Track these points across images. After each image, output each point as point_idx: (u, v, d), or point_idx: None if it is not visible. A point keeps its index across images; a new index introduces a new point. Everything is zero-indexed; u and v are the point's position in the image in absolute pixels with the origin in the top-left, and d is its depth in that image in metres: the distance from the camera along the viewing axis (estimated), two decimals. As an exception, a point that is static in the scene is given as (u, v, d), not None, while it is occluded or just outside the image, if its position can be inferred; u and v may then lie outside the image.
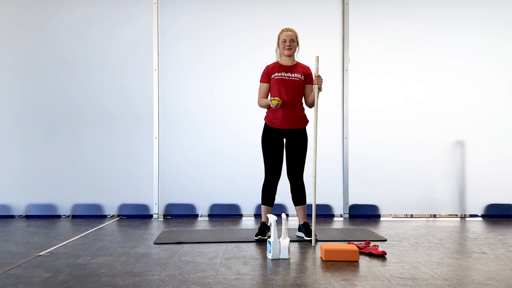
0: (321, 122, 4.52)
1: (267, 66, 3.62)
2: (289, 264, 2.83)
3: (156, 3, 4.80)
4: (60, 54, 4.82)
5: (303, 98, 3.62)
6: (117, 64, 4.82)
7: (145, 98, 4.80)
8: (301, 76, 3.55)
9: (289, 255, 2.95)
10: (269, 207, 3.58)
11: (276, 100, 3.38)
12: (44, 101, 4.80)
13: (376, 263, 2.84)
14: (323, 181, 4.59)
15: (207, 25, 4.84)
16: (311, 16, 4.82)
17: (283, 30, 3.58)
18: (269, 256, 2.95)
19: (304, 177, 3.63)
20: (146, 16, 4.82)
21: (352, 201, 4.81)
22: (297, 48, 3.60)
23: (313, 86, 3.52)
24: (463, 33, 4.84)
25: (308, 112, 3.64)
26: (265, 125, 3.59)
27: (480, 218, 4.78)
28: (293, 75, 3.53)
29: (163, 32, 4.83)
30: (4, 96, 4.81)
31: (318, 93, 3.46)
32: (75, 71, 4.82)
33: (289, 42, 3.52)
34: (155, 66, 4.80)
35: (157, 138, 4.79)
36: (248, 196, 4.74)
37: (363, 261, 2.89)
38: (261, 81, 3.61)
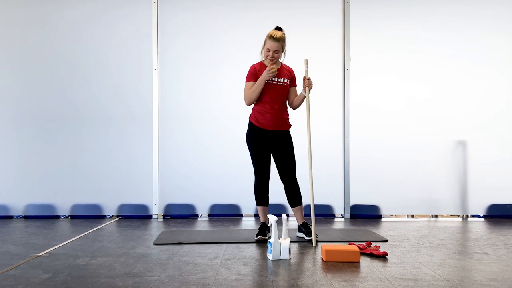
0: (322, 121, 4.50)
1: (253, 65, 3.56)
2: (289, 265, 2.81)
3: (156, 1, 4.78)
4: (58, 53, 4.80)
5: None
6: (116, 63, 4.80)
7: (145, 98, 4.78)
8: (287, 81, 3.54)
9: (289, 256, 2.93)
10: (265, 207, 3.57)
11: (273, 67, 3.37)
12: (42, 101, 4.78)
13: (377, 264, 2.83)
14: (323, 181, 4.57)
15: (208, 23, 4.82)
16: (311, 15, 4.80)
17: (270, 37, 3.42)
18: (270, 256, 2.93)
19: (300, 177, 3.62)
20: (145, 14, 4.80)
21: (353, 201, 4.79)
22: (282, 55, 3.51)
23: (304, 88, 3.50)
24: (463, 33, 4.82)
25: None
26: (251, 125, 3.56)
27: (482, 219, 4.76)
28: (280, 80, 3.50)
29: (163, 30, 4.80)
30: (2, 96, 4.79)
31: (308, 95, 3.49)
32: (74, 70, 4.80)
33: (273, 53, 3.43)
34: (155, 65, 4.78)
35: (157, 138, 4.77)
36: (248, 197, 4.70)
37: (364, 262, 2.87)
38: (248, 80, 3.52)
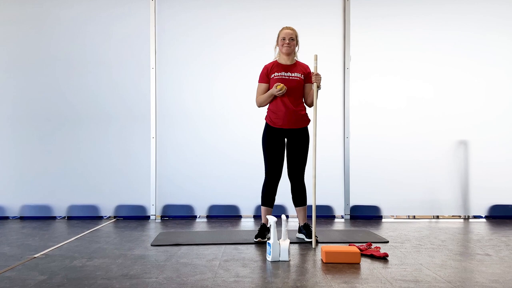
0: (322, 121, 4.47)
1: (265, 66, 3.57)
2: (289, 266, 2.78)
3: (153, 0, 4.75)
4: (55, 52, 4.76)
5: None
6: (114, 62, 4.77)
7: (142, 97, 4.75)
8: (301, 75, 3.51)
9: (289, 257, 2.91)
10: (269, 208, 3.54)
11: (280, 85, 3.36)
12: (39, 100, 4.75)
13: (377, 265, 2.80)
14: (323, 182, 4.53)
15: (206, 22, 4.79)
16: (311, 14, 4.77)
17: (283, 28, 3.55)
18: (269, 258, 2.91)
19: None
20: (143, 13, 4.77)
21: (353, 202, 4.76)
22: (296, 48, 3.56)
23: (312, 84, 3.48)
24: (466, 31, 4.79)
25: (308, 111, 3.60)
26: (266, 125, 3.54)
27: (484, 219, 4.72)
28: (293, 74, 3.49)
29: (161, 30, 4.77)
30: (-1, 96, 4.76)
31: (317, 91, 3.44)
32: (71, 69, 4.76)
33: (289, 40, 3.48)
34: (153, 64, 4.74)
35: (155, 137, 4.74)
36: (247, 197, 4.69)
37: (365, 263, 2.85)
38: (260, 81, 3.56)
